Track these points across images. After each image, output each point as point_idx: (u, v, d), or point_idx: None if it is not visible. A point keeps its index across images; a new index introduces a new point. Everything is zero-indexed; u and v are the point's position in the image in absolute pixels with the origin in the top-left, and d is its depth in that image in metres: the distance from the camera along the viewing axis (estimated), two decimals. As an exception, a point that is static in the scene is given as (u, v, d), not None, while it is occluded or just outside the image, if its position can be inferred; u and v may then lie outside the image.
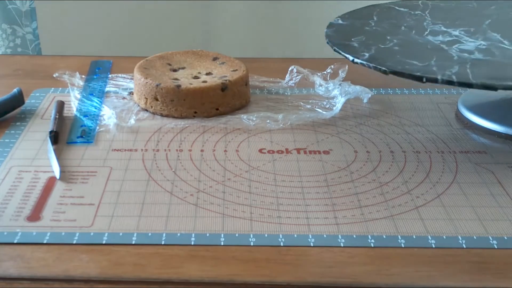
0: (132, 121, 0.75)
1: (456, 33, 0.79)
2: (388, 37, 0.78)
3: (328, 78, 0.86)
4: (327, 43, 0.77)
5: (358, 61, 0.71)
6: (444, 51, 0.74)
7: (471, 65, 0.69)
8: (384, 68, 0.68)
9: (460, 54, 0.72)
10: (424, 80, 0.66)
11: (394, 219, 0.59)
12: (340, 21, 0.83)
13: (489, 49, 0.74)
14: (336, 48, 0.74)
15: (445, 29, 0.80)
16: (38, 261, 0.53)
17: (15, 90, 0.78)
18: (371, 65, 0.70)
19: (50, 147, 0.69)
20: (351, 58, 0.72)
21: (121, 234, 0.56)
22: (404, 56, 0.72)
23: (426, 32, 0.80)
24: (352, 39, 0.77)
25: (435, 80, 0.66)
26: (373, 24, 0.82)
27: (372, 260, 0.53)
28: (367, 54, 0.72)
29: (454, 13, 0.87)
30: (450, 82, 0.66)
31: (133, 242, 0.55)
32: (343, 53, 0.73)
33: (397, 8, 0.89)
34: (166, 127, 0.75)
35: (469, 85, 0.65)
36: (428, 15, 0.86)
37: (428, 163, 0.68)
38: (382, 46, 0.75)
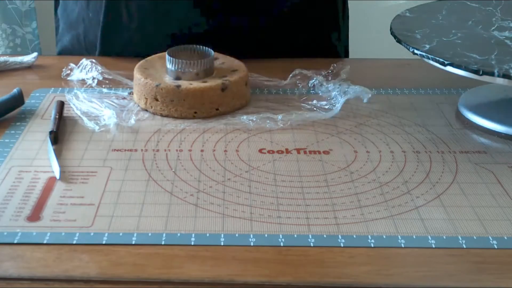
0: (132, 121, 0.75)
1: None
2: (453, 31, 0.78)
3: (328, 78, 0.86)
4: (391, 33, 0.78)
5: (418, 52, 0.72)
6: (507, 46, 0.74)
7: None
8: (442, 60, 0.69)
9: None
10: (481, 73, 0.66)
11: (394, 219, 0.59)
12: (407, 14, 0.84)
13: None
14: (398, 39, 0.75)
15: None
16: (38, 261, 0.53)
17: (15, 90, 0.78)
18: (430, 56, 0.70)
19: (50, 147, 0.69)
20: (411, 49, 0.73)
21: (121, 234, 0.56)
22: (465, 49, 0.72)
23: (493, 28, 0.79)
24: (416, 31, 0.77)
25: (491, 74, 0.66)
26: (440, 18, 0.83)
27: (372, 260, 0.53)
28: (427, 46, 0.73)
29: None
30: (507, 76, 0.66)
31: (133, 242, 0.55)
32: (404, 44, 0.74)
33: (468, 3, 0.89)
34: (166, 127, 0.75)
35: None
36: (499, 11, 0.85)
37: (428, 163, 0.68)
38: (445, 39, 0.75)
